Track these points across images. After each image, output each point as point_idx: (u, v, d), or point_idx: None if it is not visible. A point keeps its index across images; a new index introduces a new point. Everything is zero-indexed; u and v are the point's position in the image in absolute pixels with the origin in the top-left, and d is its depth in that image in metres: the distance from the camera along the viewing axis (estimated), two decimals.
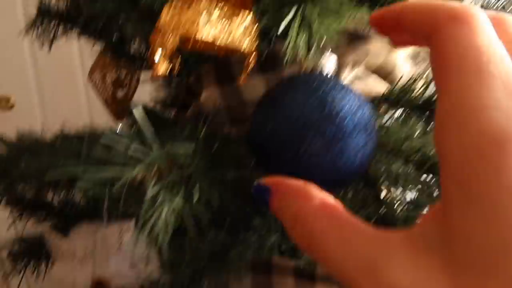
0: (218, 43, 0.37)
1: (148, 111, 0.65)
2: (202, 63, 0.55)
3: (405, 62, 0.55)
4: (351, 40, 0.50)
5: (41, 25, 0.60)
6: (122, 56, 0.61)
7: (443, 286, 0.13)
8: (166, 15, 0.32)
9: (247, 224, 0.52)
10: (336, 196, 0.19)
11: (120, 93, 0.73)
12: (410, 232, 0.15)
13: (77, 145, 0.44)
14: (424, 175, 0.52)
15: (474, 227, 0.12)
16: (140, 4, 0.43)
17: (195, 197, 0.31)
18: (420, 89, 0.48)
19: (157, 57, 0.31)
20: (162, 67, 0.32)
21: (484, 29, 0.15)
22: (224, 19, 0.38)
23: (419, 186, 0.51)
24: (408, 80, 0.48)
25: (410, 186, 0.51)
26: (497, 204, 0.12)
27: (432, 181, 0.51)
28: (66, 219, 0.53)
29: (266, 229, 0.54)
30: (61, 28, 0.61)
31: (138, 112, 0.30)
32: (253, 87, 0.52)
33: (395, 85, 0.49)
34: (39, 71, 1.73)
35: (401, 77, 0.49)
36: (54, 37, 0.61)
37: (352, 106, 0.39)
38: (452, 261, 0.13)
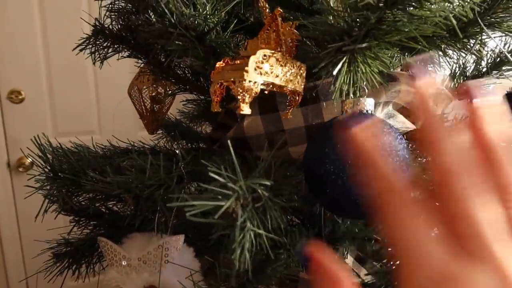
0: (278, 83, 0.43)
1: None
2: None
3: None
4: (382, 82, 0.56)
5: (94, 44, 0.64)
6: (166, 77, 0.66)
7: None
8: (252, 68, 0.37)
9: (278, 242, 0.57)
10: None
11: (155, 108, 0.77)
12: None
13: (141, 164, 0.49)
14: None
15: None
16: (205, 43, 0.48)
17: (270, 223, 0.37)
18: None
19: (246, 100, 0.36)
20: (247, 108, 0.37)
21: None
22: (278, 65, 0.43)
23: None
24: None
25: None
26: None
27: None
28: (116, 229, 0.57)
29: (293, 247, 0.59)
30: (112, 47, 0.65)
31: (230, 146, 0.36)
32: (292, 117, 0.58)
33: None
34: (51, 66, 1.76)
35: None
36: (106, 55, 0.65)
37: (393, 145, 0.44)
38: None
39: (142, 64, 0.75)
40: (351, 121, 0.28)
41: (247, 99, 0.38)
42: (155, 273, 0.51)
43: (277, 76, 0.41)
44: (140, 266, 0.51)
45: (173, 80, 0.67)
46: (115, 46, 0.65)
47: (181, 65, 0.66)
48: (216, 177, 0.34)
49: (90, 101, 1.87)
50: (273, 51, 0.40)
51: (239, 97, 0.39)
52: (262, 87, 0.40)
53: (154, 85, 0.76)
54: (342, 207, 0.45)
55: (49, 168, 0.50)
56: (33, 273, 1.83)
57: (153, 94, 0.76)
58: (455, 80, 0.65)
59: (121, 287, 0.51)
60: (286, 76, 0.42)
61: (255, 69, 0.39)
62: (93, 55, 0.64)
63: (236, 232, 0.34)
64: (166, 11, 0.42)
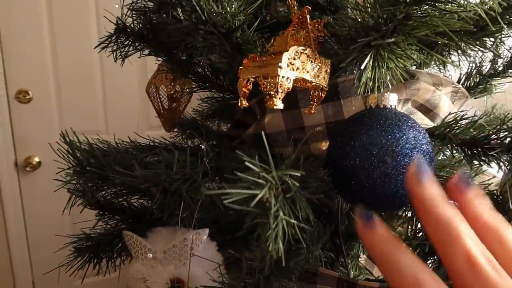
0: (308, 79, 0.44)
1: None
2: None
3: (446, 100, 0.62)
4: (400, 80, 0.57)
5: (116, 42, 0.65)
6: (186, 75, 0.67)
7: None
8: (285, 64, 0.38)
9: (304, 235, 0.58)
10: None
11: (173, 106, 0.78)
12: None
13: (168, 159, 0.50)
14: None
15: None
16: (232, 40, 0.49)
17: (300, 214, 0.38)
18: (464, 127, 0.55)
19: (279, 94, 0.37)
20: (279, 102, 0.38)
21: None
22: (308, 61, 0.44)
23: None
24: (454, 118, 0.54)
25: None
26: None
27: None
28: (139, 224, 0.58)
29: (311, 242, 0.60)
30: (133, 45, 0.66)
31: (263, 140, 0.36)
32: (313, 114, 0.59)
33: (443, 121, 0.56)
34: (58, 66, 1.77)
35: (449, 114, 0.56)
36: (127, 53, 0.66)
37: (418, 140, 0.45)
38: None
39: (160, 63, 0.76)
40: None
41: (280, 94, 0.39)
42: (180, 266, 0.52)
43: (307, 72, 0.42)
44: (166, 259, 0.52)
45: (193, 78, 0.68)
46: (136, 44, 0.66)
47: (201, 63, 0.67)
48: (251, 166, 0.35)
49: (97, 101, 1.89)
50: (304, 48, 0.41)
51: (271, 92, 0.40)
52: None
53: (172, 84, 0.77)
54: (367, 201, 0.46)
55: (76, 162, 0.51)
56: (41, 272, 1.84)
57: (171, 92, 0.77)
58: (471, 78, 0.66)
59: (147, 280, 0.52)
60: (315, 72, 0.43)
61: (288, 65, 0.40)
62: (114, 53, 0.65)
63: (270, 220, 0.35)
64: (197, 8, 0.43)
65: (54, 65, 1.77)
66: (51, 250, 1.82)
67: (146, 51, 0.68)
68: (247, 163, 0.35)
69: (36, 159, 1.79)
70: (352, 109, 0.59)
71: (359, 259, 0.84)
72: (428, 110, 0.61)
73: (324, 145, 0.58)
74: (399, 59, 0.45)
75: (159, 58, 0.72)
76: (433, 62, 0.67)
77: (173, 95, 0.78)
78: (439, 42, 0.49)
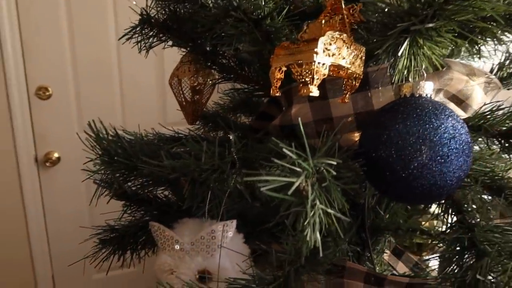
0: (344, 65, 0.43)
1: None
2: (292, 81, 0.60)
3: (479, 90, 0.60)
4: (436, 68, 0.55)
5: (141, 33, 0.65)
6: (210, 66, 0.66)
7: None
8: (321, 50, 0.37)
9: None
10: None
11: (195, 98, 0.78)
12: None
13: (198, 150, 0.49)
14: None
15: None
16: (262, 28, 0.48)
17: (336, 204, 0.37)
18: (500, 117, 0.53)
19: (315, 81, 0.36)
20: (315, 89, 0.37)
21: None
22: (344, 47, 0.43)
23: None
24: (490, 109, 0.53)
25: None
26: None
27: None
28: (164, 215, 0.58)
29: (338, 235, 0.59)
30: (158, 36, 0.66)
31: (300, 127, 0.36)
32: (341, 104, 0.58)
33: (478, 112, 0.54)
34: (77, 63, 1.79)
35: (484, 104, 0.54)
36: (151, 45, 0.66)
37: (456, 129, 0.44)
38: None
39: (184, 55, 0.76)
40: None
41: (315, 81, 0.38)
42: (208, 258, 0.51)
43: (343, 58, 0.41)
44: (193, 250, 0.52)
45: (217, 69, 0.67)
46: (160, 35, 0.65)
47: (226, 54, 0.66)
48: (289, 153, 0.34)
49: (115, 97, 1.90)
50: (340, 33, 0.40)
51: (306, 79, 0.39)
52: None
53: (195, 75, 0.76)
54: (402, 193, 0.45)
55: (104, 152, 0.50)
56: (61, 267, 1.86)
57: (194, 84, 0.76)
58: (504, 69, 0.64)
59: (174, 271, 0.52)
60: (351, 58, 0.42)
61: (324, 51, 0.38)
62: (139, 44, 0.65)
63: (308, 209, 0.34)
64: None
65: (72, 62, 1.78)
66: (70, 244, 1.84)
67: (170, 42, 0.67)
68: (284, 150, 0.34)
69: (56, 155, 1.81)
70: (382, 100, 0.58)
71: (384, 254, 0.83)
72: (460, 101, 0.59)
73: (355, 136, 0.57)
74: (436, 46, 0.43)
75: (182, 50, 0.71)
76: (464, 53, 0.66)
77: (196, 87, 0.77)
78: (476, 29, 0.48)
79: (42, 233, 1.82)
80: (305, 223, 0.33)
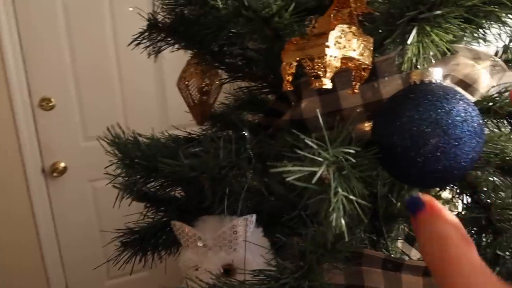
0: (355, 57, 0.44)
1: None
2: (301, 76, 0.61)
3: (485, 74, 0.61)
4: (444, 54, 0.57)
5: (149, 38, 0.66)
6: (218, 66, 0.68)
7: None
8: (332, 43, 0.38)
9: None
10: None
11: (203, 99, 0.79)
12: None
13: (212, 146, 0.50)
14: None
15: None
16: (271, 25, 0.49)
17: (357, 192, 0.38)
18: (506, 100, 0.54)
19: (328, 74, 0.38)
20: (328, 82, 0.38)
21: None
22: (354, 39, 0.44)
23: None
24: (498, 91, 0.54)
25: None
26: None
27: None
28: (184, 214, 0.59)
29: (355, 224, 0.60)
30: (165, 40, 0.67)
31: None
32: (350, 96, 0.59)
33: (486, 94, 0.55)
34: (78, 73, 1.80)
35: (492, 87, 0.55)
36: (159, 49, 0.67)
37: (468, 112, 0.45)
38: None
39: (190, 57, 0.77)
40: None
41: (328, 74, 0.39)
42: (231, 252, 0.53)
43: (354, 50, 0.42)
44: (216, 246, 0.53)
45: (225, 69, 0.69)
46: (168, 39, 0.67)
47: (233, 53, 0.67)
48: (310, 143, 0.36)
49: (116, 104, 1.91)
50: (349, 25, 0.41)
51: (319, 73, 0.40)
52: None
53: (202, 77, 0.77)
54: (418, 178, 0.46)
55: (124, 155, 0.52)
56: (74, 274, 1.86)
57: (202, 85, 0.78)
58: (509, 51, 0.65)
59: (199, 267, 0.53)
60: (360, 50, 0.43)
61: (335, 44, 0.40)
62: (147, 48, 0.66)
63: (331, 195, 0.35)
64: None
65: (74, 72, 1.80)
66: (82, 252, 1.86)
67: (176, 46, 0.69)
68: (306, 141, 0.35)
69: (62, 164, 1.82)
70: (390, 89, 0.59)
71: (397, 242, 0.84)
72: (467, 85, 0.61)
73: (366, 126, 0.58)
74: (444, 33, 0.45)
75: (189, 53, 0.72)
76: (468, 37, 0.67)
77: (203, 89, 0.79)
78: (480, 14, 0.49)
79: (53, 242, 1.84)
80: (330, 209, 0.35)
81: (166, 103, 1.95)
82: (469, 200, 0.51)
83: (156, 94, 1.96)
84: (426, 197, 0.33)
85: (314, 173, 0.35)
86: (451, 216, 0.30)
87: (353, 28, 0.42)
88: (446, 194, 0.69)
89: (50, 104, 1.79)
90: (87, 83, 1.83)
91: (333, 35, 0.39)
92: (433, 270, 0.29)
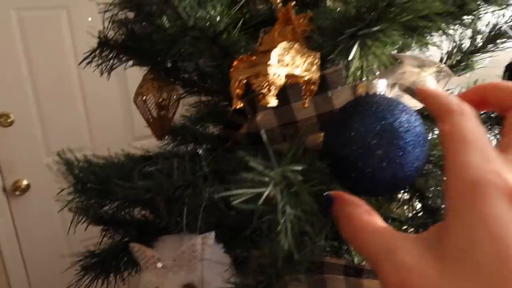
0: (299, 74, 0.45)
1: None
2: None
3: (431, 80, 0.63)
4: (391, 63, 0.58)
5: (100, 56, 0.65)
6: (173, 81, 0.67)
7: (434, 268, 0.21)
8: (275, 61, 0.39)
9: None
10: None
11: (162, 114, 0.78)
12: (421, 235, 0.25)
13: (168, 167, 0.50)
14: None
15: (462, 243, 0.21)
16: (219, 43, 0.50)
17: (305, 207, 0.38)
18: None
19: (272, 92, 0.38)
20: (273, 100, 0.39)
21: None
22: (298, 56, 0.45)
23: None
24: None
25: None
26: (475, 230, 0.21)
27: None
28: (143, 235, 0.58)
29: (315, 233, 0.61)
30: (118, 57, 0.66)
31: (264, 137, 0.37)
32: (304, 107, 0.60)
33: None
34: (37, 87, 1.75)
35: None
36: (112, 66, 0.66)
37: (411, 123, 0.46)
38: (443, 257, 0.22)
39: (146, 72, 0.76)
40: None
41: (272, 92, 0.40)
42: (191, 271, 0.52)
43: (298, 67, 0.42)
44: (176, 266, 0.52)
45: (181, 84, 0.68)
46: (120, 56, 0.66)
47: (187, 69, 0.67)
48: (255, 165, 0.36)
49: (80, 117, 1.87)
50: (291, 43, 0.41)
51: (264, 91, 0.40)
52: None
53: (159, 92, 0.77)
54: (368, 187, 0.47)
55: (76, 180, 0.51)
56: None
57: (159, 100, 0.77)
58: (453, 57, 0.68)
59: None
60: (305, 66, 0.44)
61: (278, 62, 0.40)
62: (99, 67, 0.65)
63: (279, 215, 0.35)
64: (184, 14, 0.44)
65: (33, 86, 1.75)
66: (49, 270, 1.80)
67: (130, 62, 0.68)
68: (250, 163, 0.36)
69: (25, 182, 1.76)
70: (341, 100, 0.60)
71: None
72: (414, 92, 0.63)
73: (319, 137, 0.59)
74: (384, 46, 0.46)
75: (144, 68, 0.72)
76: (413, 45, 0.69)
77: (161, 103, 0.78)
78: (421, 25, 0.51)
79: (18, 261, 1.78)
80: (278, 229, 0.35)
81: (132, 114, 1.92)
82: (419, 205, 0.53)
83: (121, 105, 1.93)
84: (334, 192, 0.36)
85: (262, 194, 0.36)
86: (352, 197, 0.34)
87: (296, 45, 0.42)
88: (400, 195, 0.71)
89: (9, 120, 1.73)
90: (48, 97, 1.78)
91: (276, 52, 0.40)
92: (353, 246, 0.30)
